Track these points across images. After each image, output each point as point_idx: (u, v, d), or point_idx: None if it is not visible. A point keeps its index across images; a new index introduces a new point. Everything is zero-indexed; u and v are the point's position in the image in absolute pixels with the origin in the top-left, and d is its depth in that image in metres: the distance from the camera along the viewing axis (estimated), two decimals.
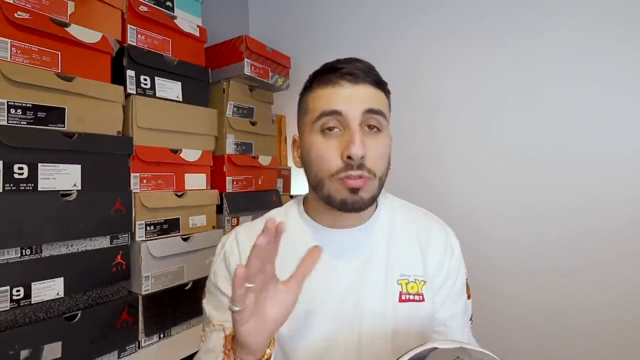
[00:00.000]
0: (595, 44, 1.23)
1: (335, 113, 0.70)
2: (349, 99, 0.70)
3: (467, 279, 0.85)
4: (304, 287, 0.72)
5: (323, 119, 0.71)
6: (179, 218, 1.27)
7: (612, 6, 1.20)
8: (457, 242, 0.85)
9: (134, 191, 1.15)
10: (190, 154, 1.31)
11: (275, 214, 0.84)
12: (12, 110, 0.90)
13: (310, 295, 0.73)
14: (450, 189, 1.48)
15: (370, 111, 0.70)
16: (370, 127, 0.71)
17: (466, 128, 1.45)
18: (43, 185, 0.95)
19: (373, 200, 0.72)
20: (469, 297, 0.86)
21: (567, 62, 1.27)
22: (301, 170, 0.79)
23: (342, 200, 0.69)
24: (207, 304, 0.80)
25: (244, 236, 0.80)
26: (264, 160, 1.60)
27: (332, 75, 0.72)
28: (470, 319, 0.87)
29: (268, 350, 0.61)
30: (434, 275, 0.79)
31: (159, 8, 1.25)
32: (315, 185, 0.74)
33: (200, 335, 0.81)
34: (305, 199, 0.84)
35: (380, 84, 0.75)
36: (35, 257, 0.94)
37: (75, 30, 1.03)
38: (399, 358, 0.55)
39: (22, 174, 0.91)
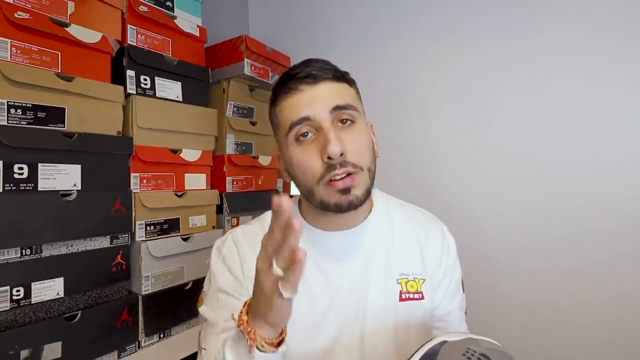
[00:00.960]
0: (595, 43, 1.22)
1: (304, 120, 0.69)
2: (313, 101, 0.69)
3: (461, 276, 0.86)
4: (306, 291, 0.73)
5: (295, 129, 0.69)
6: (179, 218, 1.27)
7: (612, 6, 1.20)
8: (452, 240, 0.85)
9: (134, 191, 1.15)
10: (190, 154, 1.31)
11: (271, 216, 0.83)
12: (12, 110, 0.90)
13: (312, 298, 0.73)
14: (449, 190, 1.48)
15: (337, 107, 0.69)
16: (343, 121, 0.70)
17: (465, 128, 1.45)
18: (43, 185, 0.95)
19: (367, 193, 0.71)
20: (463, 292, 0.87)
21: (567, 62, 1.27)
22: None
23: (336, 204, 0.68)
24: (208, 310, 0.77)
25: (243, 237, 0.79)
26: (264, 160, 1.60)
27: (290, 83, 0.71)
28: (465, 313, 0.88)
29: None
30: (432, 273, 0.80)
31: (159, 8, 1.25)
32: (306, 194, 0.72)
33: (199, 342, 0.78)
34: (300, 202, 0.83)
35: (340, 77, 0.74)
36: (35, 257, 0.94)
37: (75, 30, 1.03)
38: (411, 356, 0.56)
39: (22, 174, 0.91)
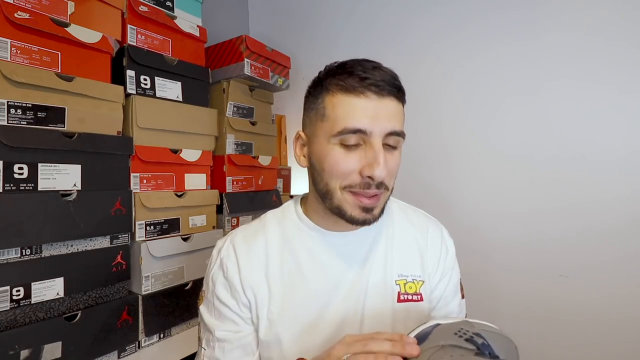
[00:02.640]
0: (598, 43, 1.22)
1: (359, 131, 0.65)
2: (375, 116, 0.65)
3: (460, 280, 0.86)
4: (305, 291, 0.73)
5: (347, 135, 0.66)
6: (179, 218, 1.27)
7: (613, 5, 1.20)
8: (451, 242, 0.85)
9: (134, 191, 1.15)
10: (190, 154, 1.31)
11: (272, 216, 0.82)
12: (12, 110, 0.90)
13: (311, 298, 0.73)
14: (451, 189, 1.48)
15: (393, 133, 0.67)
16: (390, 145, 0.69)
17: (467, 128, 1.45)
18: (43, 185, 0.95)
19: (383, 211, 0.72)
20: (462, 297, 0.86)
21: (569, 61, 1.27)
22: (301, 170, 0.79)
23: (353, 217, 0.68)
24: (206, 311, 0.77)
25: (241, 241, 0.78)
26: (264, 160, 1.60)
27: (355, 83, 0.66)
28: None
29: None
30: (430, 274, 0.79)
31: (159, 8, 1.25)
32: (324, 193, 0.71)
33: (199, 339, 0.79)
34: (304, 200, 0.82)
35: (402, 97, 0.72)
36: (35, 257, 0.94)
37: (75, 30, 1.03)
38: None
39: (22, 174, 0.91)
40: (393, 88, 0.68)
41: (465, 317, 0.88)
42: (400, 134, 0.69)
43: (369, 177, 0.65)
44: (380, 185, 0.66)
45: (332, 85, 0.69)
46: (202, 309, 0.78)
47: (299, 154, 0.77)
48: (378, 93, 0.66)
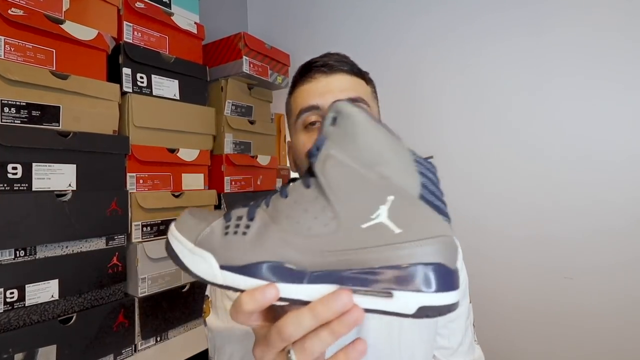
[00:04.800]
0: (603, 40, 1.21)
1: (313, 108, 0.69)
2: (325, 90, 0.70)
3: (467, 284, 0.85)
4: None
5: (303, 116, 0.71)
6: (176, 219, 1.24)
7: (618, 1, 1.18)
8: (457, 244, 0.84)
9: (130, 191, 1.14)
10: (187, 154, 1.30)
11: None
12: (6, 109, 0.89)
13: None
14: (453, 189, 1.46)
15: (349, 100, 0.68)
16: None
17: (470, 127, 1.44)
18: (37, 185, 0.94)
19: None
20: (469, 302, 0.85)
21: (574, 59, 1.25)
22: None
23: None
24: (216, 319, 0.73)
25: None
26: (263, 160, 1.59)
27: (307, 72, 0.73)
28: (473, 325, 0.87)
29: None
30: None
31: (155, 4, 1.24)
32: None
33: (210, 356, 0.74)
34: None
35: (356, 72, 0.74)
36: (29, 258, 0.92)
37: (70, 27, 1.01)
38: None
39: (16, 173, 0.90)
40: (342, 65, 0.72)
41: (473, 323, 0.87)
42: (359, 100, 0.70)
43: None
44: None
45: (293, 85, 0.77)
46: (211, 319, 0.74)
47: (290, 161, 0.81)
48: (326, 72, 0.71)
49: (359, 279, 0.35)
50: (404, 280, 0.34)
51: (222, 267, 0.37)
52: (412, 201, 0.36)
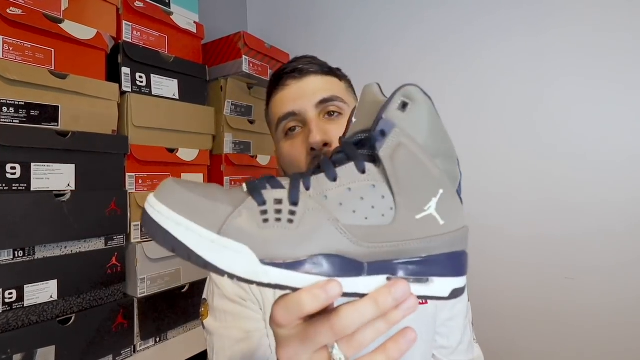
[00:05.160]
0: (604, 39, 1.20)
1: (289, 115, 0.70)
2: (298, 95, 0.70)
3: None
4: None
5: (282, 124, 0.71)
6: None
7: (618, 1, 1.18)
8: None
9: (129, 191, 1.13)
10: (187, 154, 1.29)
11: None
12: (5, 109, 0.89)
13: None
14: None
15: (323, 101, 0.69)
16: (330, 113, 0.70)
17: (470, 127, 1.43)
18: (36, 185, 0.93)
19: None
20: (468, 300, 0.85)
21: (575, 58, 1.25)
22: None
23: None
24: (214, 322, 0.72)
25: None
26: (263, 159, 1.58)
27: (279, 80, 0.73)
28: (472, 323, 0.87)
29: None
30: None
31: (154, 4, 1.23)
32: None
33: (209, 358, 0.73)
34: None
35: (328, 71, 0.75)
36: (28, 258, 0.92)
37: (69, 27, 1.01)
38: None
39: (14, 173, 0.90)
40: (311, 67, 0.73)
41: (472, 322, 0.87)
42: (332, 99, 0.70)
43: (311, 149, 0.66)
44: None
45: (268, 95, 0.78)
46: (209, 321, 0.73)
47: (279, 169, 0.80)
48: (297, 77, 0.72)
49: (408, 268, 0.35)
50: (442, 268, 0.36)
51: (265, 263, 0.32)
52: (453, 195, 0.37)
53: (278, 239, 0.33)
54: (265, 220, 0.33)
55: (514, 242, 1.34)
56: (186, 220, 0.32)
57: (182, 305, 1.24)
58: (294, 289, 0.33)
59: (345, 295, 0.34)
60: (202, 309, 0.78)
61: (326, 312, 0.35)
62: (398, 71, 1.58)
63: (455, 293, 0.36)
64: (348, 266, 0.34)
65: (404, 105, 0.36)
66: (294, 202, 0.34)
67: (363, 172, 0.36)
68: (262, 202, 0.34)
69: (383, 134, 0.36)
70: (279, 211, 0.34)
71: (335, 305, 0.35)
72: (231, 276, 0.32)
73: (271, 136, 0.81)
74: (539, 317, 1.30)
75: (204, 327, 0.75)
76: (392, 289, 0.33)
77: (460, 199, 0.38)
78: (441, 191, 0.36)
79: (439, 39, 1.50)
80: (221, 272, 0.32)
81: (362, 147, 0.38)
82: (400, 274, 0.35)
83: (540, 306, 1.30)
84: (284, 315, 0.34)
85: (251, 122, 1.53)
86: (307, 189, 0.35)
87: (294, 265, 0.32)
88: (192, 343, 1.25)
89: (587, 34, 1.23)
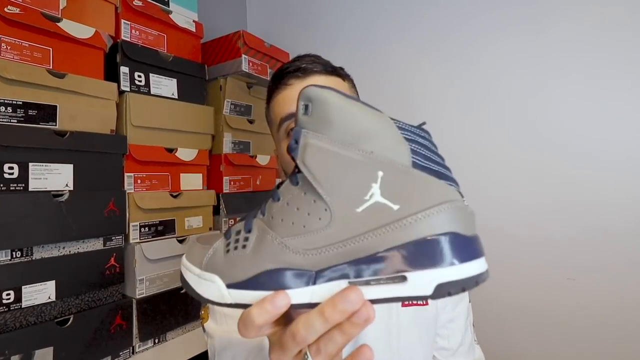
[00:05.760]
0: (607, 36, 1.19)
1: (293, 115, 0.69)
2: None
3: None
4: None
5: (284, 124, 0.71)
6: (174, 219, 1.24)
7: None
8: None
9: (127, 191, 1.13)
10: (186, 153, 1.29)
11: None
12: (2, 108, 0.88)
13: None
14: None
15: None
16: None
17: (472, 126, 1.42)
18: (34, 185, 0.93)
19: None
20: (469, 301, 0.85)
21: (577, 56, 1.24)
22: None
23: None
24: (214, 325, 0.72)
25: None
26: (262, 159, 1.58)
27: (281, 79, 0.73)
28: (472, 324, 0.87)
29: None
30: None
31: (153, 2, 1.22)
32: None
33: None
34: None
35: (331, 71, 0.74)
36: (26, 259, 0.92)
37: (67, 26, 1.00)
38: None
39: (12, 173, 0.89)
40: (315, 67, 0.72)
41: (473, 323, 0.87)
42: None
43: None
44: None
45: (269, 94, 0.77)
46: (210, 325, 0.73)
47: (280, 170, 0.79)
48: (300, 77, 0.71)
49: (366, 268, 0.33)
50: (414, 259, 0.31)
51: (229, 286, 0.36)
52: (405, 172, 0.33)
53: (235, 264, 0.37)
54: (227, 251, 0.38)
55: (515, 243, 1.34)
56: (188, 263, 0.40)
57: (181, 306, 1.23)
58: (248, 306, 0.36)
59: (297, 306, 0.34)
60: (202, 312, 0.77)
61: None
62: (398, 70, 1.57)
63: (444, 289, 0.31)
64: (296, 277, 0.34)
65: (306, 108, 0.37)
66: (248, 229, 0.38)
67: (297, 184, 0.37)
68: (229, 237, 0.39)
69: (296, 141, 0.37)
70: (237, 240, 0.38)
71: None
72: (210, 302, 0.37)
73: (271, 136, 0.81)
74: (541, 318, 1.29)
75: (204, 330, 0.75)
76: (337, 300, 0.32)
77: (436, 170, 0.34)
78: (380, 173, 0.33)
79: (439, 37, 1.49)
80: (204, 300, 0.38)
81: None
82: (358, 276, 0.33)
83: (542, 307, 1.29)
84: (242, 329, 0.36)
85: (251, 122, 1.53)
86: (263, 214, 0.38)
87: (247, 284, 0.36)
88: (192, 344, 1.24)
89: (589, 32, 1.22)
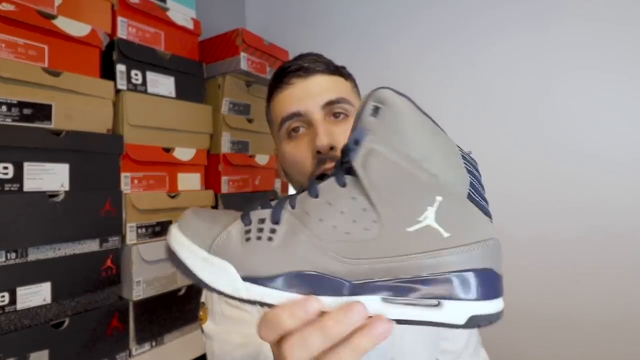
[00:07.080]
0: (613, 33, 1.17)
1: (294, 115, 0.68)
2: (304, 95, 0.68)
3: None
4: None
5: (285, 125, 0.70)
6: (171, 220, 1.23)
7: None
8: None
9: (124, 192, 1.12)
10: (183, 153, 1.28)
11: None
12: None
13: None
14: None
15: (330, 102, 0.67)
16: (336, 115, 0.69)
17: (473, 126, 1.41)
18: (29, 185, 0.92)
19: None
20: None
21: (582, 53, 1.22)
22: None
23: None
24: (213, 326, 0.71)
25: None
26: (261, 159, 1.56)
27: (282, 77, 0.71)
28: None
29: None
30: None
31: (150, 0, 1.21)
32: (299, 192, 0.70)
33: None
34: None
35: (334, 70, 0.73)
36: (20, 261, 0.91)
37: (63, 23, 0.99)
38: None
39: (6, 173, 0.88)
40: (317, 66, 0.71)
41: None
42: (339, 100, 0.68)
43: (318, 152, 0.64)
44: (336, 158, 0.64)
45: (269, 93, 0.76)
46: (209, 326, 0.72)
47: (279, 168, 0.78)
48: (302, 76, 0.70)
49: (405, 288, 0.32)
50: (453, 289, 0.32)
51: (245, 279, 0.33)
52: (460, 202, 0.33)
53: (256, 256, 0.34)
54: (248, 239, 0.34)
55: (518, 244, 1.32)
56: (187, 241, 0.35)
57: (178, 308, 1.22)
58: (270, 306, 0.33)
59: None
60: (201, 313, 0.76)
61: None
62: (399, 68, 1.56)
63: (475, 321, 0.32)
64: (329, 284, 0.33)
65: (375, 110, 0.35)
66: (276, 220, 0.35)
67: (344, 185, 0.35)
68: (248, 222, 0.36)
69: (357, 142, 0.35)
70: (260, 230, 0.35)
71: None
72: (218, 292, 0.34)
73: (271, 135, 0.80)
74: (545, 320, 1.28)
75: (202, 332, 0.74)
76: (336, 313, 0.31)
77: (482, 204, 0.34)
78: (439, 199, 0.33)
79: (441, 35, 1.48)
80: (210, 288, 0.34)
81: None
82: (398, 295, 0.32)
83: (546, 309, 1.28)
84: (265, 331, 0.34)
85: (249, 121, 1.51)
86: (293, 207, 0.36)
87: (271, 282, 0.33)
88: (189, 347, 1.23)
89: (593, 28, 1.21)
